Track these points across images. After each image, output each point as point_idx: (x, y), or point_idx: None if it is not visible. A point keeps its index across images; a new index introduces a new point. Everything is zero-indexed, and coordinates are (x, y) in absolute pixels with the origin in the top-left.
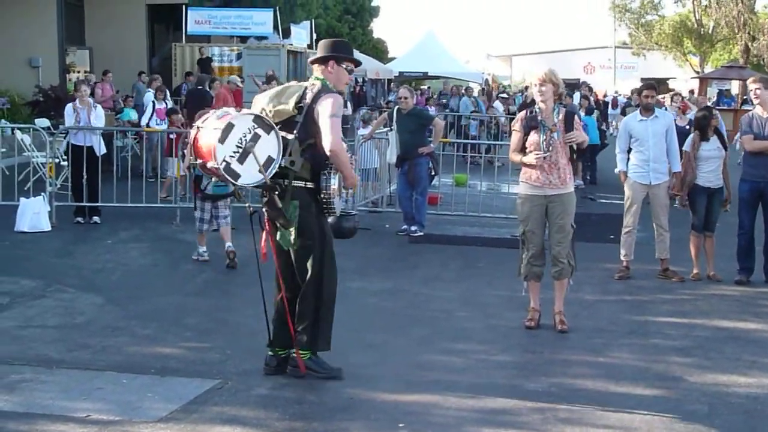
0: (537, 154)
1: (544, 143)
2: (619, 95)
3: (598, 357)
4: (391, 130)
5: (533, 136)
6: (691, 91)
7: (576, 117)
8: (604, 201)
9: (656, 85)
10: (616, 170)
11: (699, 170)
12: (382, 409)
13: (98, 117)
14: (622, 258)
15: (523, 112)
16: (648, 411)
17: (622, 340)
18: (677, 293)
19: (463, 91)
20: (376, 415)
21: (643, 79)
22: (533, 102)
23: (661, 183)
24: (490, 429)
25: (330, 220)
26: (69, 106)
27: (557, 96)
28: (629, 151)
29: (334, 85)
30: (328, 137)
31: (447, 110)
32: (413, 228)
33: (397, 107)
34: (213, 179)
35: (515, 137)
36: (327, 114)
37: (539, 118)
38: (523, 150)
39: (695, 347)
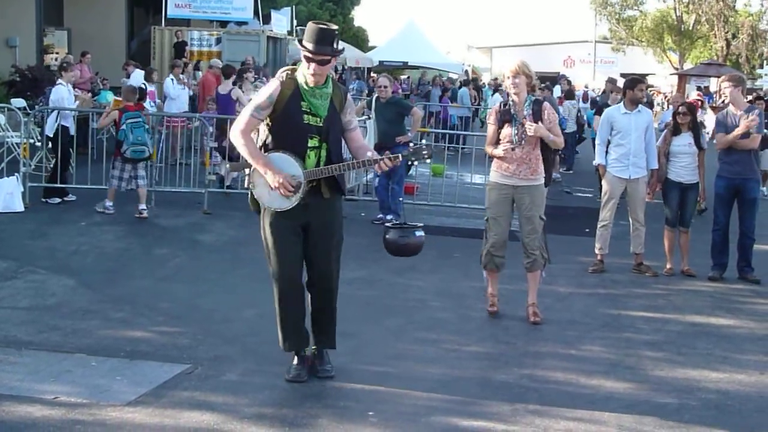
0: (504, 147)
1: (516, 136)
2: (590, 89)
3: (570, 350)
4: (369, 118)
5: (506, 129)
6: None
7: (547, 109)
8: (580, 195)
9: (645, 80)
10: (595, 162)
11: (671, 165)
12: (353, 398)
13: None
14: (596, 252)
15: (497, 104)
16: (618, 404)
17: (594, 333)
18: (651, 288)
19: (461, 81)
20: (347, 402)
21: (622, 75)
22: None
23: (640, 178)
24: (460, 419)
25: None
26: (63, 88)
27: (530, 88)
28: (608, 144)
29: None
30: None
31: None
32: (389, 217)
33: (375, 96)
34: (133, 146)
35: (490, 130)
36: None
37: (512, 111)
38: (498, 142)
39: (667, 342)
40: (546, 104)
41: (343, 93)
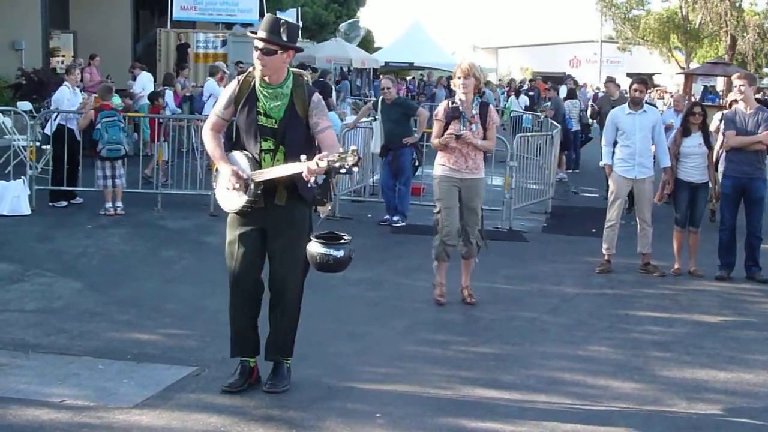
0: (449, 133)
1: (462, 132)
2: (600, 91)
3: (577, 350)
4: (375, 119)
5: (454, 126)
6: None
7: (492, 112)
8: (587, 195)
9: (647, 80)
10: (601, 163)
11: (681, 165)
12: (360, 399)
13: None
14: (603, 252)
15: (445, 102)
16: (626, 405)
17: (601, 333)
18: (658, 288)
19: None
20: (354, 405)
21: (628, 74)
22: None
23: (646, 177)
24: (468, 420)
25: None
26: (66, 89)
27: (477, 90)
28: (615, 144)
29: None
30: None
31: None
32: (396, 218)
33: (381, 98)
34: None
35: (437, 126)
36: None
37: (460, 109)
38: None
39: (674, 342)
40: (491, 107)
41: (307, 94)
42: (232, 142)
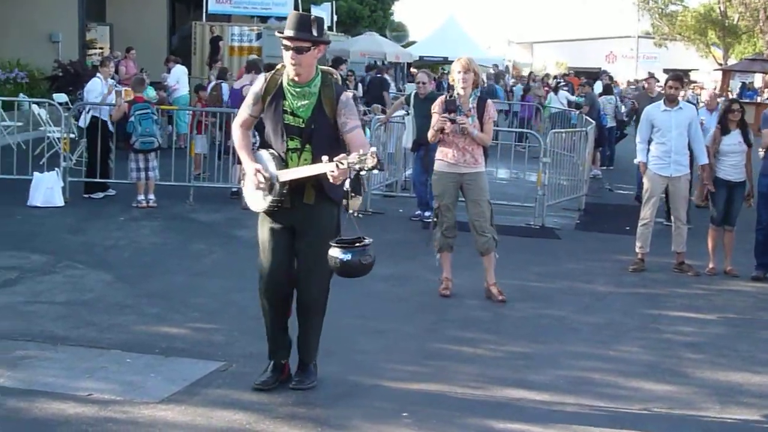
0: (443, 116)
1: (458, 126)
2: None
3: (608, 350)
4: (408, 114)
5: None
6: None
7: (489, 106)
8: (621, 192)
9: (683, 77)
10: (636, 160)
11: (719, 164)
12: (387, 397)
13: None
14: (637, 250)
15: (443, 96)
16: (657, 408)
17: (633, 333)
18: (692, 287)
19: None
20: (380, 403)
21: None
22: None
23: (682, 175)
24: (495, 421)
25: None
26: (98, 82)
27: (475, 84)
28: (650, 141)
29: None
30: None
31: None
32: (427, 213)
33: (414, 92)
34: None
35: (434, 119)
36: None
37: (458, 102)
38: (441, 131)
39: (708, 343)
40: (489, 101)
41: (336, 93)
42: (262, 138)
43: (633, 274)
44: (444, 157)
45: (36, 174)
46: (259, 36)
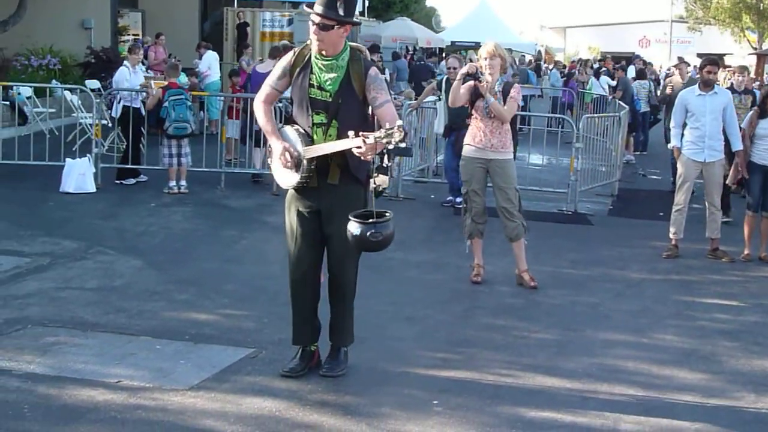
0: (463, 73)
1: (486, 110)
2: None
3: (641, 338)
4: (440, 99)
5: (478, 103)
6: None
7: (514, 88)
8: (654, 177)
9: (718, 61)
10: (670, 145)
11: (755, 148)
12: (418, 385)
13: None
14: (671, 236)
15: (467, 67)
16: (691, 396)
17: (667, 321)
18: (727, 274)
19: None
20: (411, 390)
21: (699, 55)
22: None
23: (716, 161)
24: (527, 409)
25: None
26: (125, 70)
27: (503, 70)
28: (684, 126)
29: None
30: None
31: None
32: (458, 199)
33: (446, 77)
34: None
35: (455, 84)
36: None
37: (479, 74)
38: (469, 116)
39: (743, 331)
40: (516, 86)
41: (364, 68)
42: (288, 114)
43: (667, 260)
44: (471, 141)
45: (68, 160)
46: (290, 22)
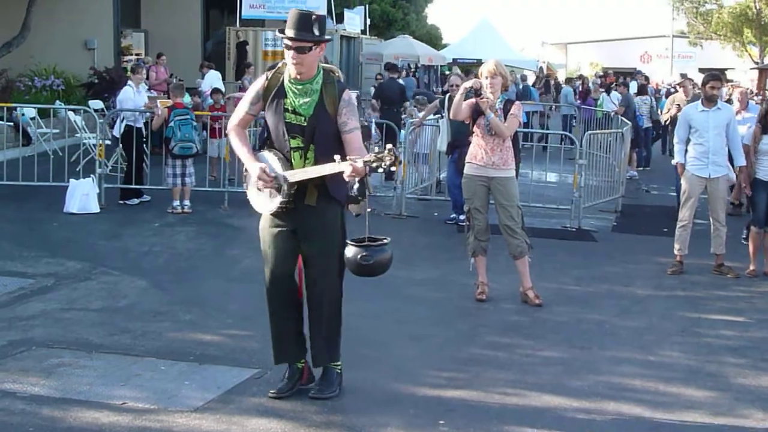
0: (466, 86)
1: (488, 126)
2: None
3: (648, 355)
4: (442, 117)
5: (480, 120)
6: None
7: (515, 106)
8: (656, 193)
9: (721, 76)
10: (674, 161)
11: (759, 164)
12: (423, 405)
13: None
14: (675, 252)
15: (472, 82)
16: (699, 415)
17: (673, 337)
18: (732, 290)
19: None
20: (417, 410)
21: (701, 70)
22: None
23: (720, 176)
24: (534, 428)
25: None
26: (129, 89)
27: (504, 88)
28: (687, 142)
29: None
30: None
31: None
32: (462, 217)
33: (448, 94)
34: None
35: (456, 98)
36: None
37: (480, 90)
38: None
39: (750, 347)
40: (516, 103)
41: (338, 91)
42: (263, 139)
43: (672, 276)
44: (473, 159)
45: (72, 181)
46: None
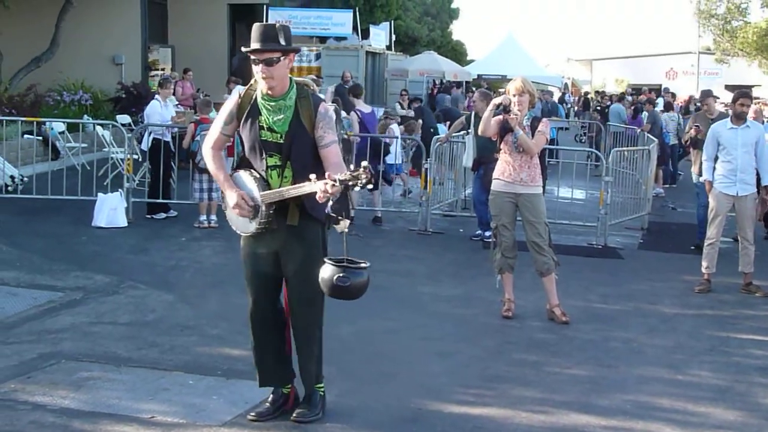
0: (495, 103)
1: (516, 143)
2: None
3: (676, 374)
4: (468, 133)
5: (507, 137)
6: None
7: (542, 123)
8: (682, 210)
9: (751, 94)
10: (702, 179)
11: None
12: (450, 422)
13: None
14: (703, 270)
15: (501, 98)
16: None
17: (702, 356)
18: (761, 309)
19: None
20: (444, 427)
21: (727, 87)
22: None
23: (748, 194)
24: None
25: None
26: (156, 104)
27: (531, 105)
28: (716, 159)
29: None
30: None
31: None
32: (488, 233)
33: (474, 111)
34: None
35: (486, 113)
36: None
37: (509, 107)
38: (497, 150)
39: None
40: (544, 120)
41: (314, 104)
42: (239, 157)
43: (699, 294)
44: (500, 175)
45: (100, 195)
46: (318, 56)
